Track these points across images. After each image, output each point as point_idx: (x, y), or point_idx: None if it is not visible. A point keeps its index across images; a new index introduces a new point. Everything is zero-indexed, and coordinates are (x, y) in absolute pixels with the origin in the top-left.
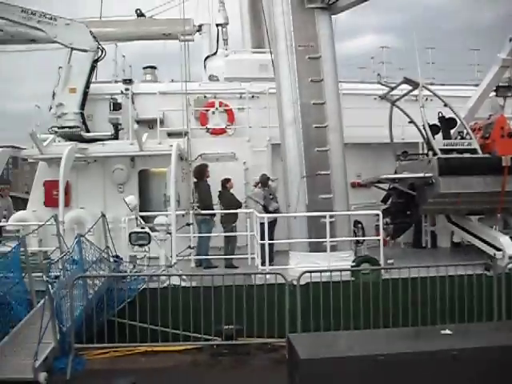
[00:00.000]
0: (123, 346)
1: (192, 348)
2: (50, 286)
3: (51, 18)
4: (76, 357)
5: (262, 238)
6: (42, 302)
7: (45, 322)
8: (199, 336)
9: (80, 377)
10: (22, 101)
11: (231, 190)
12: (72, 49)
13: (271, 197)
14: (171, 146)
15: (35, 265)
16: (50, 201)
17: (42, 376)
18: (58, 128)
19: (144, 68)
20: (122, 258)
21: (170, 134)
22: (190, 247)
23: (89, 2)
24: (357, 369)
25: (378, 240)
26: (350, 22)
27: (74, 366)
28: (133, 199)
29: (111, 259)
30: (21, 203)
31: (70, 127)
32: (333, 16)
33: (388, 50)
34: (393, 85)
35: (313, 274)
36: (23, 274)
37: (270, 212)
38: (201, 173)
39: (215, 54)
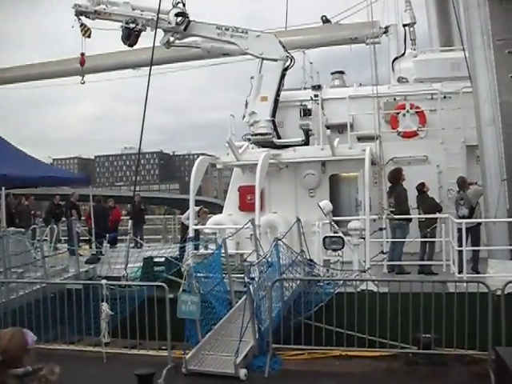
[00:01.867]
0: (318, 348)
1: (386, 355)
2: (250, 287)
3: (243, 32)
4: (273, 356)
5: (460, 245)
6: (240, 301)
7: (245, 321)
8: (395, 343)
9: (277, 376)
10: (213, 111)
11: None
12: (263, 59)
13: (462, 202)
14: (363, 150)
15: (233, 266)
16: (245, 205)
17: (242, 372)
18: (251, 135)
19: (332, 73)
20: (315, 262)
21: (360, 138)
22: (382, 252)
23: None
24: None
25: None
26: None
27: (272, 365)
28: (327, 204)
29: (306, 263)
30: (211, 207)
31: (262, 134)
32: None
33: None
34: None
35: None
36: (223, 275)
37: (459, 217)
38: (396, 176)
39: (403, 55)
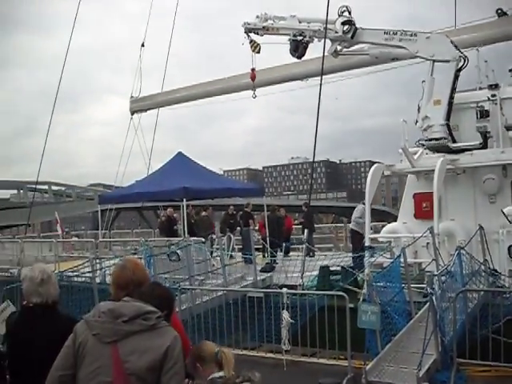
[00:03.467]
0: (508, 366)
1: None
2: (433, 298)
3: (411, 35)
4: (458, 371)
5: None
6: (420, 312)
7: (427, 333)
8: None
9: None
10: (377, 117)
11: None
12: (434, 61)
13: None
14: None
15: (412, 276)
16: (420, 213)
17: None
18: (425, 141)
19: (510, 70)
20: (500, 272)
21: None
22: None
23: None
24: None
25: None
26: None
27: (456, 380)
28: None
29: (490, 273)
30: (382, 215)
31: (436, 139)
32: None
33: None
34: None
35: None
36: (403, 285)
37: None
38: None
39: None
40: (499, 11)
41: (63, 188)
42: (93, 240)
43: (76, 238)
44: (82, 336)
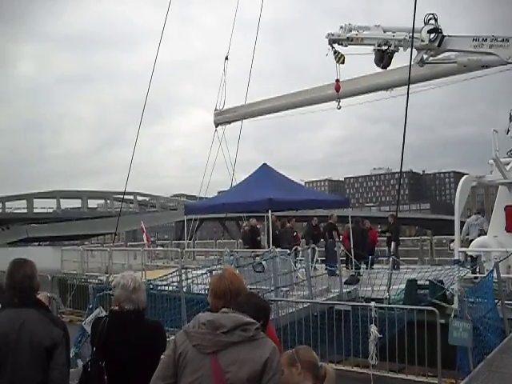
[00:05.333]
0: None
1: None
2: None
3: (503, 40)
4: None
5: None
6: None
7: None
8: None
9: None
10: (461, 126)
11: None
12: None
13: None
14: None
15: (505, 292)
16: None
17: None
18: None
19: None
20: None
21: None
22: None
23: None
24: None
25: None
26: None
27: None
28: None
29: None
30: None
31: None
32: None
33: None
34: None
35: None
36: (495, 301)
37: None
38: None
39: None
40: None
41: (147, 198)
42: (179, 249)
43: (161, 248)
44: (182, 346)
